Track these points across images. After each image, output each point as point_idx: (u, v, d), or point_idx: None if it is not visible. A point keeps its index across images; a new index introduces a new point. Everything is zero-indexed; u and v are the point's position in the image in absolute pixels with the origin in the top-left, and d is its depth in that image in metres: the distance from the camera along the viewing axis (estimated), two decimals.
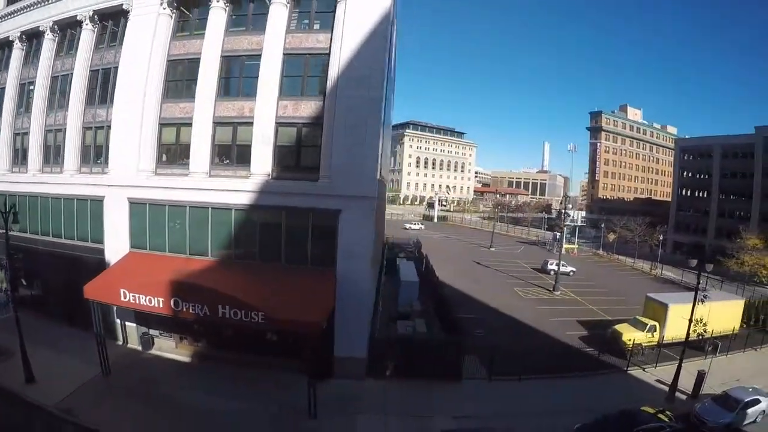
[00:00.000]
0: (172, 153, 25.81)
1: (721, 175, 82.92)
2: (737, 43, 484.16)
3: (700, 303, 27.11)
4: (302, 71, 24.07)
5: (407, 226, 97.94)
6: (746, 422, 23.37)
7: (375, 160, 23.06)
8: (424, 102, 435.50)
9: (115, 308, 24.62)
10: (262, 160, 23.68)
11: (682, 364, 26.95)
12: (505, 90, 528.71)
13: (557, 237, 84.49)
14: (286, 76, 24.05)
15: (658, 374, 29.08)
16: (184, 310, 20.17)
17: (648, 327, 32.42)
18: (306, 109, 23.70)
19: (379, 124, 23.26)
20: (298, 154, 24.14)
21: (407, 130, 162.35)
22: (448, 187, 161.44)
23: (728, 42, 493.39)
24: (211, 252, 24.51)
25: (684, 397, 27.04)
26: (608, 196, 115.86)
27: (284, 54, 23.95)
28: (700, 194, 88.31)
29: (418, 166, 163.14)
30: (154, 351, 25.87)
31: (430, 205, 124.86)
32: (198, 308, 19.97)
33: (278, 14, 23.90)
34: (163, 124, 25.53)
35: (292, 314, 19.46)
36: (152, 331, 26.10)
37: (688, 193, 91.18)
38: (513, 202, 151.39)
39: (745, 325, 39.62)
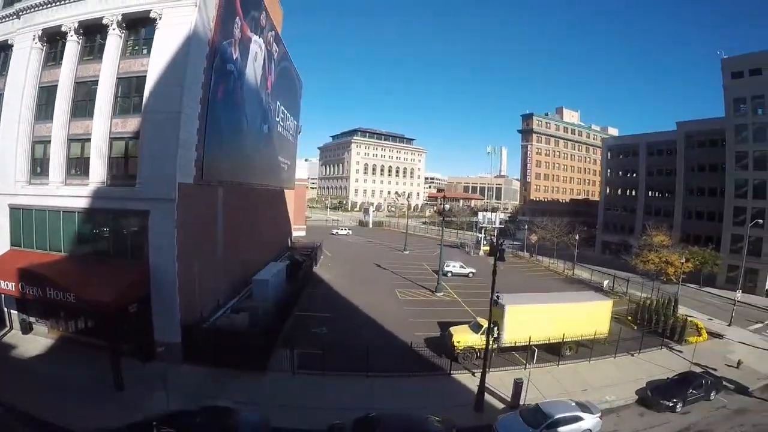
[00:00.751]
0: (42, 166, 29.62)
1: (647, 173, 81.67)
2: (674, 43, 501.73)
3: (495, 303, 24.99)
4: (131, 92, 27.68)
5: (334, 231, 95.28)
6: None
7: (174, 168, 25.98)
8: (382, 111, 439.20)
9: (2, 297, 29.20)
10: (99, 170, 27.38)
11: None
12: (466, 97, 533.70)
13: (480, 239, 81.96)
14: (120, 97, 27.84)
15: (488, 380, 25.04)
16: (27, 292, 25.45)
17: (483, 329, 28.43)
18: (131, 124, 27.22)
19: (177, 136, 26.13)
20: (125, 164, 27.61)
21: (354, 138, 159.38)
22: (396, 192, 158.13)
23: (665, 43, 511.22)
24: (63, 248, 28.64)
25: (502, 406, 23.48)
26: (541, 198, 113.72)
27: (118, 78, 27.63)
28: (628, 193, 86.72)
29: (365, 173, 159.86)
30: (31, 335, 29.58)
31: (366, 211, 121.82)
32: (34, 290, 25.16)
33: (113, 43, 27.65)
34: (35, 142, 29.57)
35: (95, 296, 23.48)
36: (30, 318, 29.91)
37: (616, 193, 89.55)
38: (465, 207, 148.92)
39: (636, 327, 37.71)
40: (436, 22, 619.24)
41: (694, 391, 25.21)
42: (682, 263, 51.41)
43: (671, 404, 24.17)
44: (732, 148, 63.71)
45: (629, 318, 40.24)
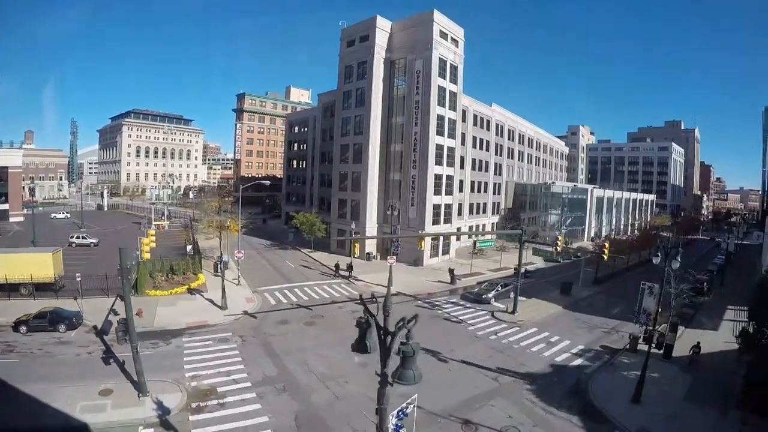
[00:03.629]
0: None
1: (313, 144, 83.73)
2: None
3: None
4: None
5: (53, 216, 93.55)
6: None
7: None
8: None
9: None
10: None
11: None
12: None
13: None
14: None
15: None
16: None
17: None
18: None
19: None
20: None
21: (126, 120, 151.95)
22: (171, 175, 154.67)
23: None
24: None
25: None
26: (254, 174, 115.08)
27: None
28: (302, 165, 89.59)
29: (138, 156, 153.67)
30: None
31: (101, 195, 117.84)
32: None
33: None
34: None
35: None
36: None
37: (296, 165, 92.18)
38: None
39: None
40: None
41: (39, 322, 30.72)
42: (227, 227, 56.02)
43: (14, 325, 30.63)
44: (339, 114, 66.85)
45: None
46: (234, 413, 20.87)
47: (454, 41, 62.22)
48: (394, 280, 49.89)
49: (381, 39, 61.76)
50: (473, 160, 74.26)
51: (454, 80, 62.14)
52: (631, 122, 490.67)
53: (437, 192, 59.30)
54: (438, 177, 59.21)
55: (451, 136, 61.72)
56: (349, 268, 54.00)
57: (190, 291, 42.05)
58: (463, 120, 70.13)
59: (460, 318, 38.17)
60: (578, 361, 29.66)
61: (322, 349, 29.98)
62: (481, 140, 76.77)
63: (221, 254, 44.24)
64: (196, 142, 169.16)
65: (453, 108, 61.97)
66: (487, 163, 79.22)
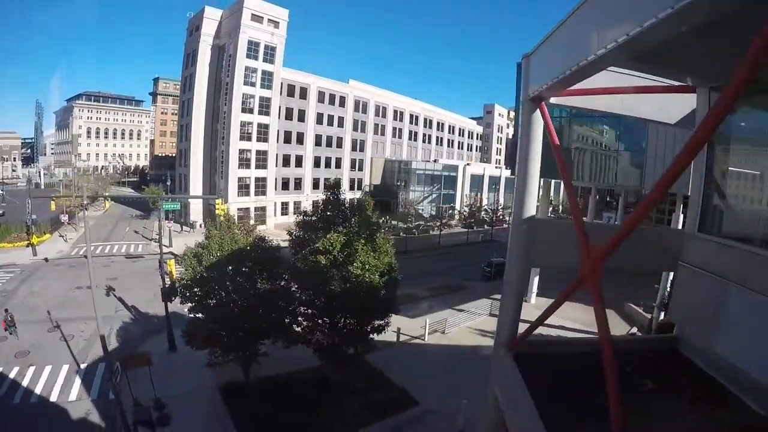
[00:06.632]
0: None
1: None
2: None
3: None
4: None
5: None
6: None
7: None
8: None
9: None
10: None
11: None
12: None
13: None
14: None
15: None
16: None
17: None
18: None
19: None
20: None
21: (77, 102, 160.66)
22: (121, 155, 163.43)
23: None
24: None
25: None
26: (168, 153, 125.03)
27: None
28: None
29: (89, 137, 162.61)
30: None
31: (39, 174, 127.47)
32: None
33: None
34: None
35: None
36: None
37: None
38: None
39: None
40: None
41: None
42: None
43: None
44: (182, 97, 76.10)
45: None
46: None
47: (273, 23, 67.47)
48: (183, 244, 57.30)
49: (209, 27, 68.26)
50: (318, 137, 79.82)
51: (270, 60, 67.65)
52: None
53: (244, 166, 66.00)
54: (246, 152, 65.74)
55: (264, 113, 67.60)
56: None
57: (29, 245, 51.34)
58: (303, 97, 76.00)
59: None
60: None
61: (53, 280, 40.05)
62: (331, 116, 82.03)
63: (30, 215, 53.32)
64: (146, 122, 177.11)
65: (267, 86, 67.74)
66: (340, 139, 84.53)
